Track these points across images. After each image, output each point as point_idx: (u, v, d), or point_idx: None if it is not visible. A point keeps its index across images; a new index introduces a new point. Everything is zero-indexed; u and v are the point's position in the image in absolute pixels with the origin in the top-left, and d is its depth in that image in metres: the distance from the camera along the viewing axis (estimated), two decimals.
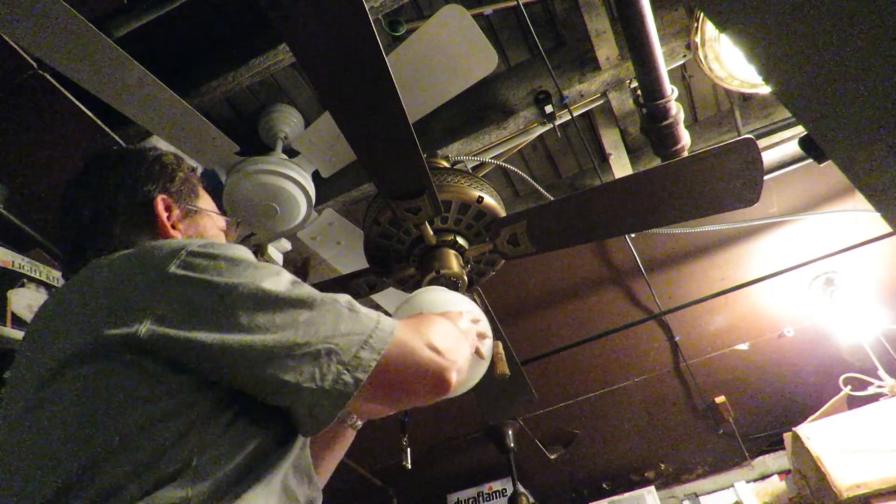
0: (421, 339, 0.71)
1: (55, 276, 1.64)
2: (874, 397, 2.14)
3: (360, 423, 0.96)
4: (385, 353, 0.65)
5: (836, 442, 1.87)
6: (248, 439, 0.61)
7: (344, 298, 0.69)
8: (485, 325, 1.08)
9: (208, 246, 0.66)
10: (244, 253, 0.68)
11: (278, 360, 0.60)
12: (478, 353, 1.01)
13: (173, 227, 0.84)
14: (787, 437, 2.14)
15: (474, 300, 1.56)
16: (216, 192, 1.92)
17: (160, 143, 1.74)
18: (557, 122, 1.85)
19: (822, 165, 1.17)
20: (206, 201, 0.93)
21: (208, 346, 0.58)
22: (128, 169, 0.85)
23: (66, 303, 0.68)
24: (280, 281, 0.66)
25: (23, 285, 1.55)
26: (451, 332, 0.81)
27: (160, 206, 0.83)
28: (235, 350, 0.59)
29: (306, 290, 0.67)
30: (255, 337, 0.60)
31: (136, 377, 0.58)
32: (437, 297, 1.10)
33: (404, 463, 1.17)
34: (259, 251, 2.12)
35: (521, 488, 2.67)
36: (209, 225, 0.90)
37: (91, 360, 0.59)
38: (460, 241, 1.43)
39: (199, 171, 1.02)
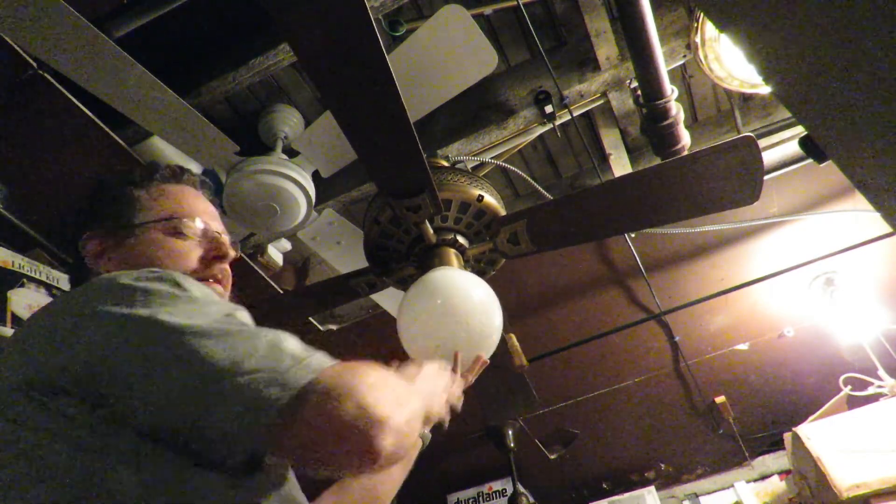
0: (352, 387, 0.58)
1: (55, 277, 1.64)
2: (874, 397, 2.14)
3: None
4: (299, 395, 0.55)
5: (836, 442, 1.87)
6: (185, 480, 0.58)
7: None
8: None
9: (137, 279, 0.65)
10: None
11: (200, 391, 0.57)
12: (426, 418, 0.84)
13: (109, 260, 0.82)
14: (787, 437, 2.14)
15: None
16: (216, 191, 1.92)
17: (160, 144, 1.74)
18: (557, 122, 1.85)
19: (822, 165, 1.17)
20: (170, 201, 0.89)
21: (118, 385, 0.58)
22: (78, 217, 0.87)
23: (22, 332, 0.69)
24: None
25: (23, 285, 1.55)
26: (396, 389, 0.64)
27: (89, 246, 0.83)
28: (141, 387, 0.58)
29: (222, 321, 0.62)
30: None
31: (56, 418, 0.58)
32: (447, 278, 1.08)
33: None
34: (259, 251, 2.12)
35: (521, 488, 2.67)
36: (150, 241, 0.84)
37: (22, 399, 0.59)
38: (460, 240, 1.43)
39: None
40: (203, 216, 0.88)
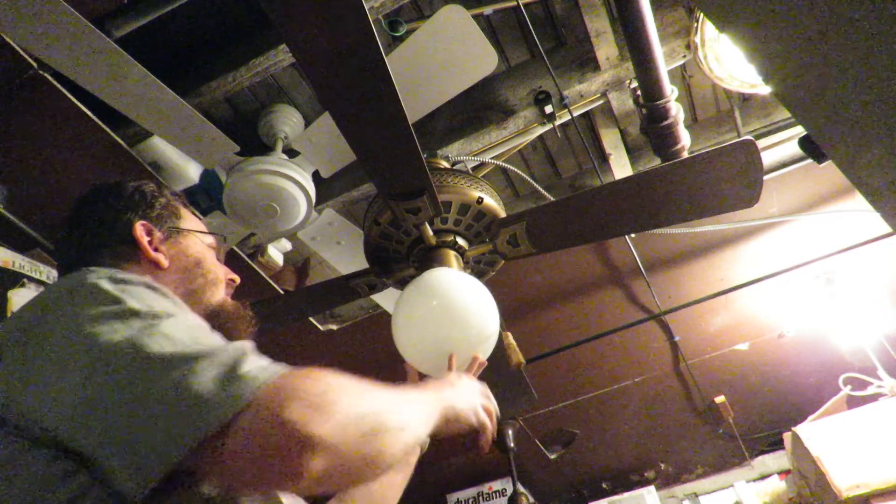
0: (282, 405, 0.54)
1: (55, 276, 1.64)
2: (874, 397, 2.14)
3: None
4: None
5: (836, 442, 1.87)
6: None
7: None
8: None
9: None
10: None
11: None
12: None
13: (156, 250, 0.86)
14: (787, 437, 2.14)
15: None
16: (216, 191, 1.92)
17: (160, 144, 1.74)
18: (557, 123, 1.85)
19: (822, 165, 1.17)
20: (191, 222, 0.95)
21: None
22: (107, 203, 0.89)
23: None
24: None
25: (23, 285, 1.55)
26: (346, 400, 0.58)
27: (139, 231, 0.86)
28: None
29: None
30: None
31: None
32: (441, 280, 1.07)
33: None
34: (259, 251, 2.12)
35: (521, 488, 2.66)
36: (193, 244, 0.92)
37: None
38: (460, 241, 1.43)
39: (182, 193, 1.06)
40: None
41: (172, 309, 0.64)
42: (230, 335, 0.73)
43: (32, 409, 0.57)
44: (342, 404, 0.57)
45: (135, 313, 0.61)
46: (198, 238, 0.93)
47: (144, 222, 0.88)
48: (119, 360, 0.56)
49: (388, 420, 0.63)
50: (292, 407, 0.53)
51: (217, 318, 0.84)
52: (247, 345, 0.60)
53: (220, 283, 0.91)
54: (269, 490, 0.57)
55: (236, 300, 0.92)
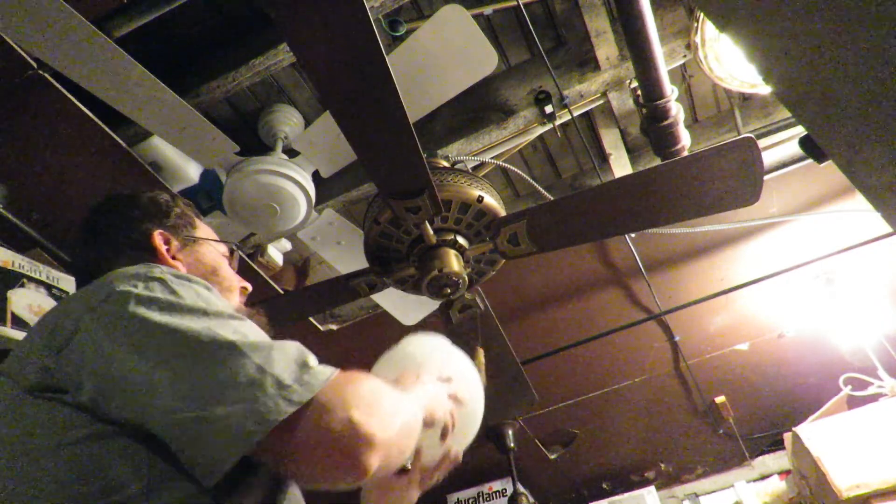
0: (340, 404, 0.58)
1: (55, 276, 1.64)
2: (874, 397, 2.14)
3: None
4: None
5: (836, 442, 1.87)
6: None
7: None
8: (462, 385, 0.93)
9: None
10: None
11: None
12: (443, 429, 0.84)
13: (173, 258, 0.89)
14: (787, 437, 2.14)
15: (475, 300, 1.56)
16: (216, 191, 1.92)
17: (160, 144, 1.74)
18: (557, 122, 1.85)
19: (822, 165, 1.17)
20: (204, 231, 0.98)
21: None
22: (123, 212, 0.92)
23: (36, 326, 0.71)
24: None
25: (23, 285, 1.55)
26: (388, 402, 0.64)
27: (158, 240, 0.89)
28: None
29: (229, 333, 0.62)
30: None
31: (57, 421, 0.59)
32: (415, 350, 0.96)
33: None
34: (259, 251, 2.12)
35: (521, 488, 2.67)
36: (209, 253, 0.95)
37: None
38: (460, 240, 1.43)
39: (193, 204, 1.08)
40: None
41: (230, 309, 0.68)
42: None
43: (113, 397, 0.59)
44: (385, 405, 0.63)
45: (204, 308, 0.64)
46: (212, 247, 0.96)
47: (162, 231, 0.90)
48: (201, 347, 0.59)
49: (412, 418, 0.70)
50: (359, 407, 0.58)
51: None
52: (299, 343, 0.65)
53: (234, 291, 0.94)
54: (329, 483, 0.59)
55: (249, 307, 0.95)
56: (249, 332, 0.63)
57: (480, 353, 1.10)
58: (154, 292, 0.64)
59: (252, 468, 0.61)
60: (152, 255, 0.87)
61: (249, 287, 0.98)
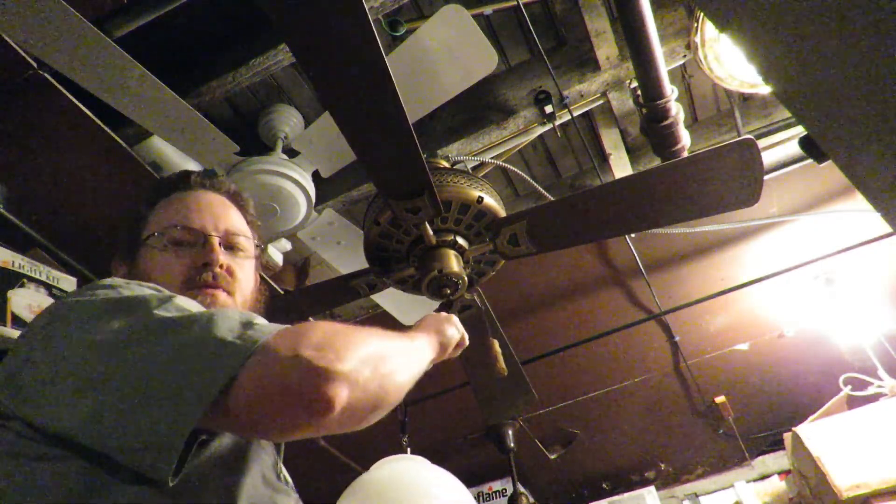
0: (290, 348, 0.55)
1: (55, 276, 1.64)
2: (874, 397, 2.14)
3: None
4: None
5: (836, 442, 1.87)
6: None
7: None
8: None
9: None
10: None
11: None
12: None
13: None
14: (787, 437, 2.14)
15: (475, 300, 1.57)
16: None
17: (160, 144, 1.74)
18: (557, 122, 1.85)
19: (822, 165, 1.17)
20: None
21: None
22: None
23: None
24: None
25: (23, 285, 1.54)
26: (344, 336, 0.60)
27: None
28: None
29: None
30: None
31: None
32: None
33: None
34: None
35: (521, 488, 2.67)
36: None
37: None
38: (460, 241, 1.43)
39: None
40: (189, 221, 0.88)
41: (168, 292, 0.69)
42: None
43: (41, 406, 0.58)
44: (341, 339, 0.59)
45: (144, 297, 0.64)
46: (149, 247, 0.93)
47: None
48: (140, 332, 0.58)
49: (393, 354, 0.67)
50: (304, 344, 0.55)
51: None
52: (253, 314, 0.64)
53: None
54: (299, 429, 0.56)
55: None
56: (190, 306, 0.64)
57: (495, 343, 1.10)
58: (94, 296, 0.65)
59: (209, 462, 0.62)
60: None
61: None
